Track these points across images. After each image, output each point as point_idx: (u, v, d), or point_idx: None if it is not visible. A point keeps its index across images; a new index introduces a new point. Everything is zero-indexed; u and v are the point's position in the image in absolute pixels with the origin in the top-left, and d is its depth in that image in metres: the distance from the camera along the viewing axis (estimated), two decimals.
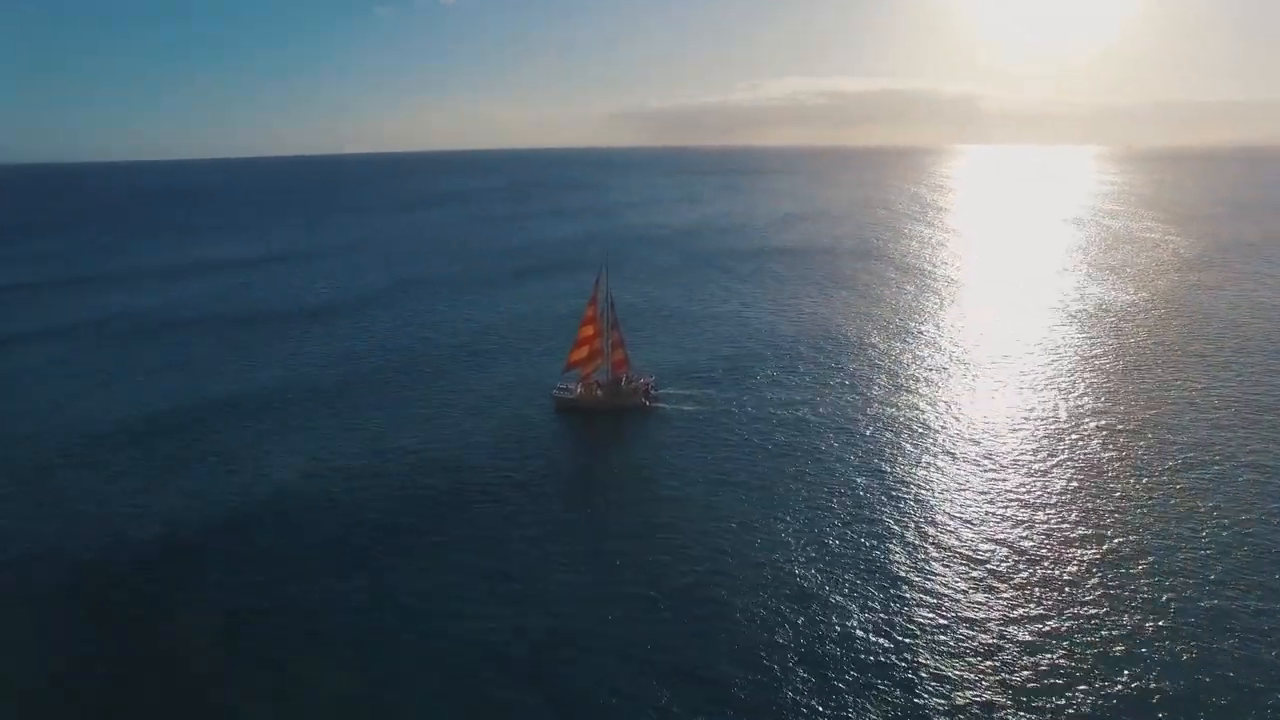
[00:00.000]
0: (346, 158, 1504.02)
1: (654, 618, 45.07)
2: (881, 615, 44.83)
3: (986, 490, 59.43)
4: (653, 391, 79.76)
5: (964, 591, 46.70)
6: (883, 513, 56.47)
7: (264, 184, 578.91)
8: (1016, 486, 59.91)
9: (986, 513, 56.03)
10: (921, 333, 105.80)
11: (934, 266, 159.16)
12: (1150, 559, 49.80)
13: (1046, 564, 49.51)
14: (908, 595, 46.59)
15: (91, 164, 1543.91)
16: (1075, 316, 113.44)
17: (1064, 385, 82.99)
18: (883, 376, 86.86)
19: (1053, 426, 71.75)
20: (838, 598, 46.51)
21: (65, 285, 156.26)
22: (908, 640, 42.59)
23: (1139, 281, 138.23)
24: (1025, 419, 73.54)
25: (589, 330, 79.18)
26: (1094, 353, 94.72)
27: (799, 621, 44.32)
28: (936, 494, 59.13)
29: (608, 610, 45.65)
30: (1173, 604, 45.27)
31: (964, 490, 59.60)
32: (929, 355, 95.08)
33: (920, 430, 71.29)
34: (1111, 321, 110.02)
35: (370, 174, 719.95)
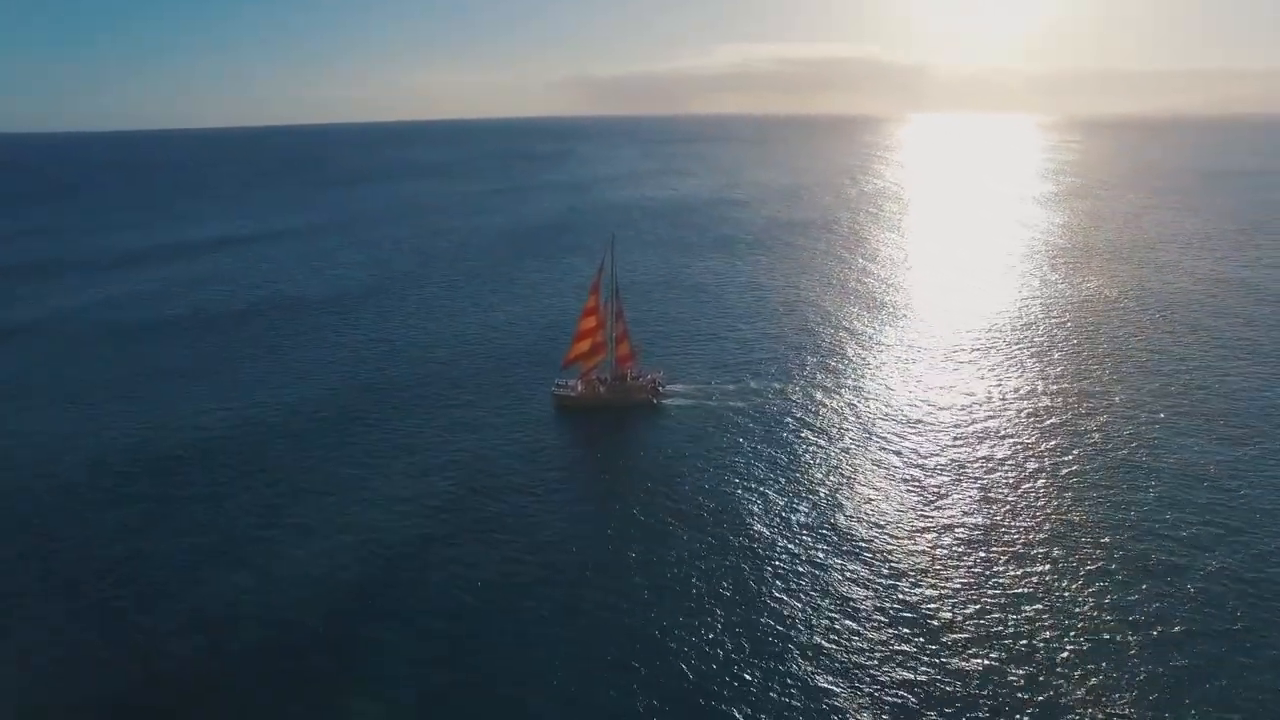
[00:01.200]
0: (272, 130, 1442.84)
1: (680, 640, 39.23)
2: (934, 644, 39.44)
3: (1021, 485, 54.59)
4: (661, 387, 72.96)
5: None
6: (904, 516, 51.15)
7: (192, 158, 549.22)
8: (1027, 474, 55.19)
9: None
10: (904, 314, 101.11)
11: (902, 245, 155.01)
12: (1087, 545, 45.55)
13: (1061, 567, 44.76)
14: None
15: None
16: (1029, 295, 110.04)
17: (1041, 371, 78.91)
18: (883, 364, 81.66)
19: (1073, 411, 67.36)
20: (879, 620, 40.99)
21: None
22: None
23: (1068, 257, 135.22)
24: (1021, 400, 69.03)
25: (590, 322, 71.84)
26: (1048, 333, 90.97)
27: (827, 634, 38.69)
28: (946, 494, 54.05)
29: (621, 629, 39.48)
30: (1123, 591, 40.94)
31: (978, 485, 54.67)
32: (919, 340, 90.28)
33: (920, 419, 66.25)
34: (1061, 297, 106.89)
35: (308, 147, 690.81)
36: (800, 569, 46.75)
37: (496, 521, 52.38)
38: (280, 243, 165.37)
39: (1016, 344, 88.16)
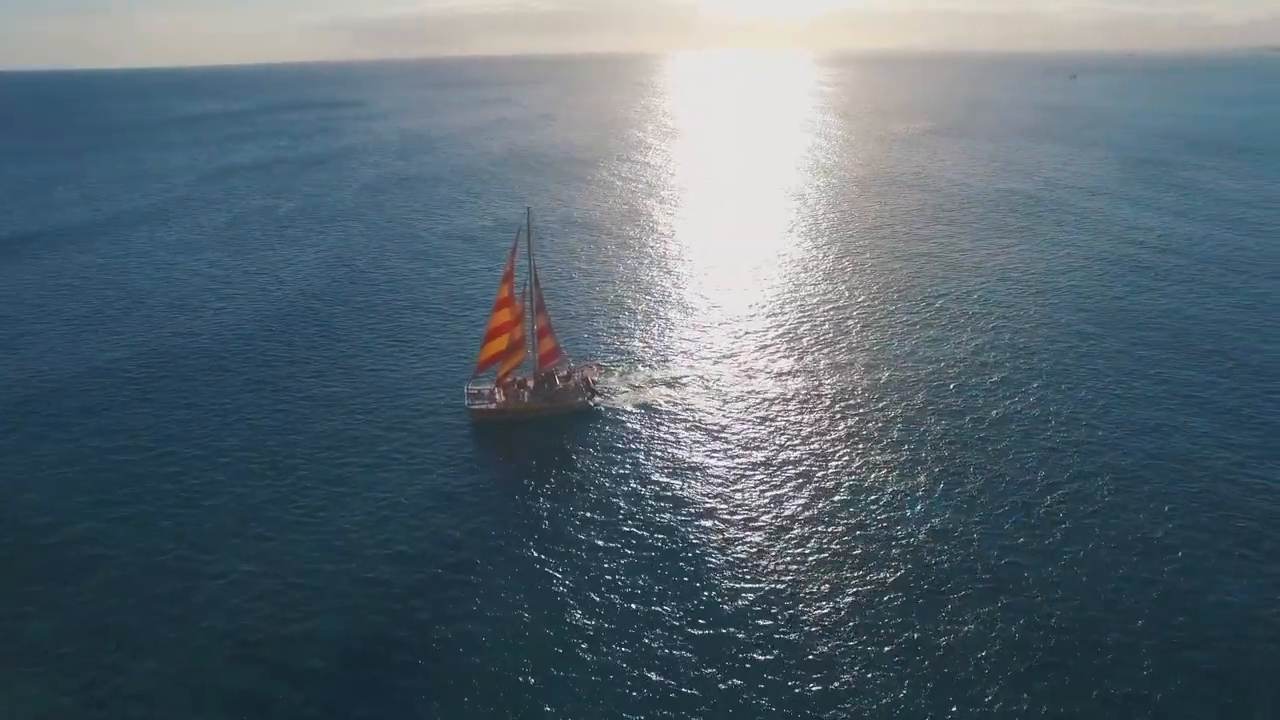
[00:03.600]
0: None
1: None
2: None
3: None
4: (595, 384, 61.36)
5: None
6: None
7: None
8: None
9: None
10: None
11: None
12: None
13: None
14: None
15: None
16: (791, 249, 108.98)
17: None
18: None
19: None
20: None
21: None
22: None
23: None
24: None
25: (505, 315, 58.51)
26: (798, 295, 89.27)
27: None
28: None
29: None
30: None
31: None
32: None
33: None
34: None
35: (59, 95, 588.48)
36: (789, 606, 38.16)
37: (424, 605, 39.54)
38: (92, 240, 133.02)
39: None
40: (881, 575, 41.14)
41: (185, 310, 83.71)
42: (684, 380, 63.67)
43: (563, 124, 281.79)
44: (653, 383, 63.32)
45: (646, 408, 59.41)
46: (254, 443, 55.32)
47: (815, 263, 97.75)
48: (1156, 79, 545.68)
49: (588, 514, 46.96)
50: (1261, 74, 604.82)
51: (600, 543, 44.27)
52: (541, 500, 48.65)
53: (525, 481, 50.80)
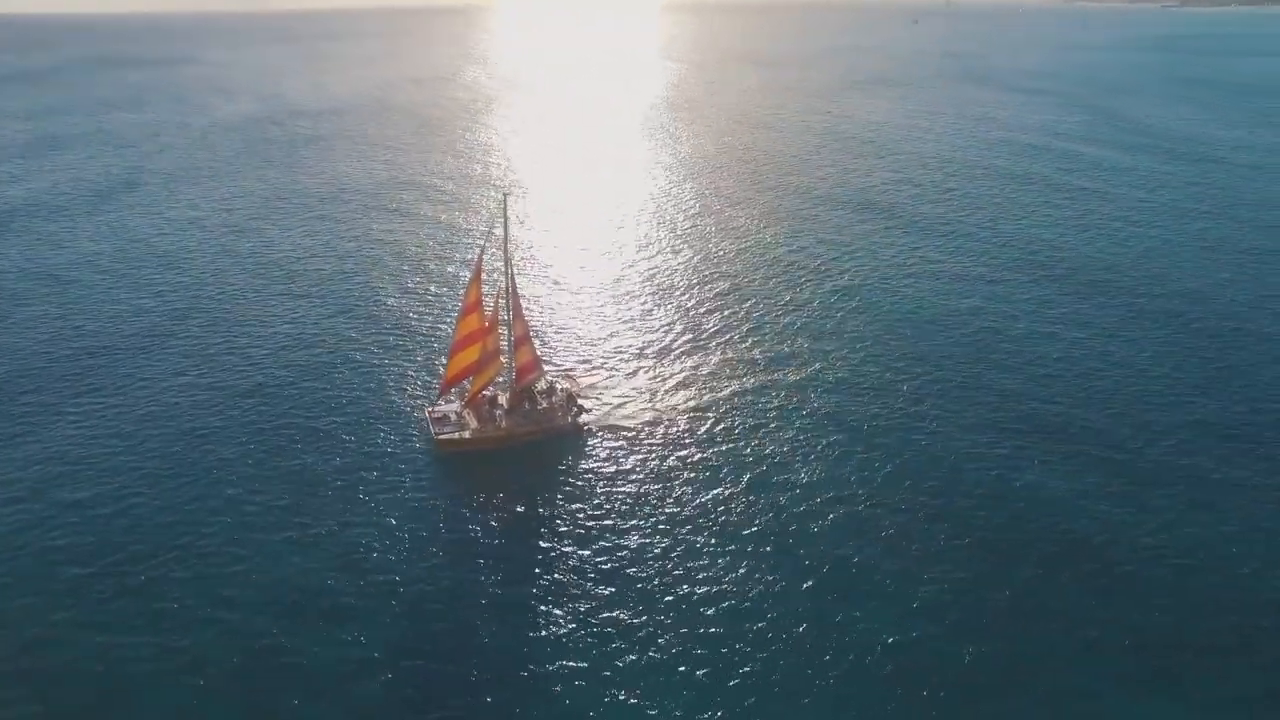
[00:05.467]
0: None
1: None
2: None
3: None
4: (581, 401, 51.90)
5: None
6: None
7: None
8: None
9: None
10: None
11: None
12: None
13: None
14: None
15: None
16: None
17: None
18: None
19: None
20: None
21: None
22: None
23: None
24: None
25: (474, 322, 48.50)
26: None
27: None
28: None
29: None
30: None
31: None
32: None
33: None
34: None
35: None
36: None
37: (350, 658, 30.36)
38: None
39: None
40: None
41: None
42: (687, 385, 54.80)
43: (383, 82, 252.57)
44: (650, 393, 54.29)
45: (654, 423, 50.40)
46: (151, 515, 44.38)
47: (664, 236, 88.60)
48: (983, 24, 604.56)
49: (568, 560, 37.99)
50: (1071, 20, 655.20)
51: (576, 599, 35.39)
52: (530, 550, 39.42)
53: (512, 533, 41.44)
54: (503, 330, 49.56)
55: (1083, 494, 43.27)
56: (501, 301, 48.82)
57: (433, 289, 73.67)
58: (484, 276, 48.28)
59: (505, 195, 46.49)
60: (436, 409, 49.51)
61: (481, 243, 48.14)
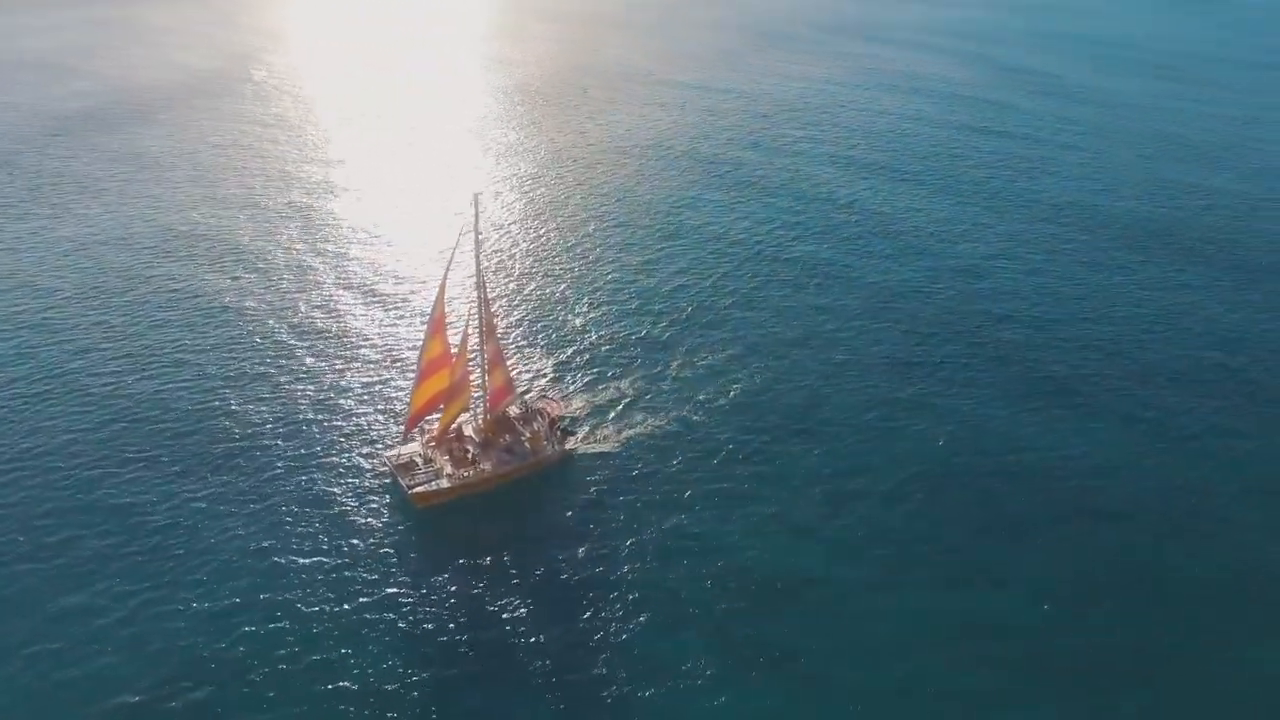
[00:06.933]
0: None
1: None
2: None
3: None
4: (564, 426, 44.95)
5: None
6: None
7: None
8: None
9: None
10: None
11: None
12: None
13: None
14: None
15: None
16: None
17: None
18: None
19: None
20: None
21: None
22: None
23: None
24: None
25: (438, 346, 40.45)
26: None
27: None
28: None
29: None
30: None
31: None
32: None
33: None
34: None
35: None
36: None
37: None
38: None
39: None
40: None
41: None
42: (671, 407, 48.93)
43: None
44: (629, 404, 48.02)
45: (643, 437, 44.35)
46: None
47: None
48: None
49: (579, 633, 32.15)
50: None
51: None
52: (540, 631, 33.01)
53: (516, 609, 34.67)
54: (473, 353, 41.69)
55: None
56: (472, 320, 40.90)
57: (380, 312, 58.53)
58: (448, 294, 40.11)
59: (476, 195, 37.76)
60: (400, 453, 41.19)
61: (450, 253, 39.21)
